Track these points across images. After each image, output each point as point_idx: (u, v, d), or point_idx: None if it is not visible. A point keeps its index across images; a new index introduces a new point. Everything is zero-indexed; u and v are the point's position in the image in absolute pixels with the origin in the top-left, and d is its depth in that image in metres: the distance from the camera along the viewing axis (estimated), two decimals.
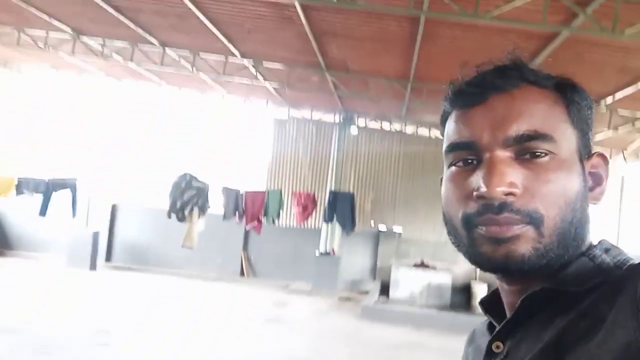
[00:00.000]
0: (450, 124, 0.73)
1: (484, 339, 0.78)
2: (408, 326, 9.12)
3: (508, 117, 0.66)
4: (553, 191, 0.64)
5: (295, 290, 11.62)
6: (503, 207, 0.64)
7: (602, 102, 7.67)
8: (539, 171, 0.65)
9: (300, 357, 6.63)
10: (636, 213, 10.80)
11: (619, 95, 7.11)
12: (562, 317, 0.63)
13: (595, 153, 0.71)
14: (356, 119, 12.49)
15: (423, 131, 12.69)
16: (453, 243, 0.72)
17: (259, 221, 10.74)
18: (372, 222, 12.75)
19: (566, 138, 0.67)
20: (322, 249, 11.92)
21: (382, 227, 12.81)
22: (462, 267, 12.26)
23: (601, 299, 0.61)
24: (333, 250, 11.87)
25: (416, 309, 10.32)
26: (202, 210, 9.84)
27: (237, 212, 10.54)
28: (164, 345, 6.71)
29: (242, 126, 13.64)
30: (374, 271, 12.77)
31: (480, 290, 11.38)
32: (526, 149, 0.66)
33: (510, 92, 0.68)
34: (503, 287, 0.74)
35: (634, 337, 0.54)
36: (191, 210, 9.76)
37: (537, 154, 0.65)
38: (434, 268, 11.84)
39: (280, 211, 10.95)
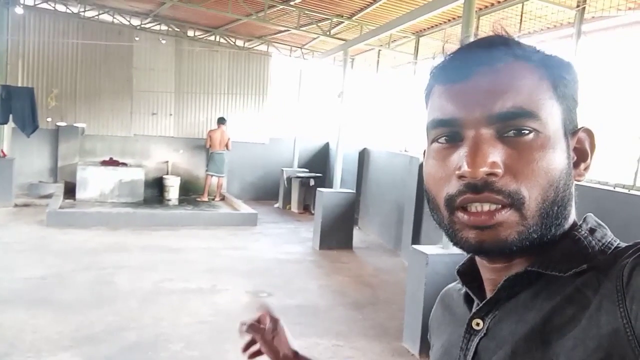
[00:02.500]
0: (434, 100, 0.70)
1: (460, 310, 0.79)
2: (103, 228, 8.68)
3: (493, 93, 0.64)
4: (536, 171, 0.63)
5: None
6: (484, 186, 0.62)
7: (292, 2, 8.15)
8: (523, 150, 0.63)
9: None
10: (310, 100, 12.30)
11: None
12: (545, 299, 0.63)
13: (581, 128, 0.70)
14: None
15: (105, 17, 11.44)
16: (435, 220, 0.71)
17: None
18: (48, 119, 11.29)
19: (552, 115, 0.66)
20: None
21: (62, 124, 11.50)
22: (154, 161, 12.10)
23: (586, 284, 0.61)
24: (2, 152, 10.21)
25: (110, 208, 9.84)
26: None
27: None
28: None
29: None
30: (54, 172, 11.55)
31: (172, 183, 11.48)
32: (510, 127, 0.64)
33: (496, 67, 0.65)
34: (483, 264, 0.72)
35: (621, 324, 0.54)
36: None
37: (522, 131, 0.63)
38: (124, 164, 11.36)
39: None
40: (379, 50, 10.12)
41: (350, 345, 4.73)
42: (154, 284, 6.00)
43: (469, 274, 0.77)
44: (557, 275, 0.64)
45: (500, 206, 0.63)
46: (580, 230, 0.68)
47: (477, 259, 0.73)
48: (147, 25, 11.81)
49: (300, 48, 12.19)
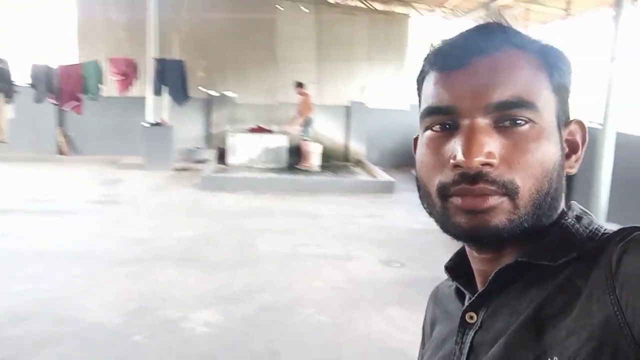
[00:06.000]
0: (429, 86, 0.68)
1: (452, 304, 0.79)
2: (250, 192, 9.21)
3: (491, 82, 0.63)
4: (531, 161, 0.63)
5: (126, 165, 10.95)
6: (479, 176, 0.62)
7: None
8: (518, 140, 0.63)
9: (143, 238, 6.36)
10: None
11: None
12: (537, 289, 0.63)
13: (573, 120, 0.70)
14: None
15: None
16: (425, 209, 0.70)
17: (78, 100, 9.59)
18: (202, 88, 12.14)
19: (548, 106, 0.65)
20: (150, 120, 11.18)
21: (214, 93, 12.31)
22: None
23: (576, 273, 0.60)
24: (163, 120, 11.21)
25: (256, 174, 10.40)
26: (8, 95, 8.37)
27: (50, 92, 9.25)
28: None
29: None
30: (209, 139, 12.46)
31: (314, 149, 11.79)
32: (507, 116, 0.63)
33: (495, 55, 0.64)
34: (473, 255, 0.72)
35: (612, 312, 0.54)
36: None
37: (518, 121, 0.63)
38: (270, 131, 11.88)
39: (100, 85, 9.86)
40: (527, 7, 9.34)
41: None
42: (292, 248, 6.25)
43: (457, 270, 0.77)
44: (548, 264, 0.63)
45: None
46: (567, 218, 0.67)
47: (467, 250, 0.73)
48: None
49: (440, 8, 11.65)
